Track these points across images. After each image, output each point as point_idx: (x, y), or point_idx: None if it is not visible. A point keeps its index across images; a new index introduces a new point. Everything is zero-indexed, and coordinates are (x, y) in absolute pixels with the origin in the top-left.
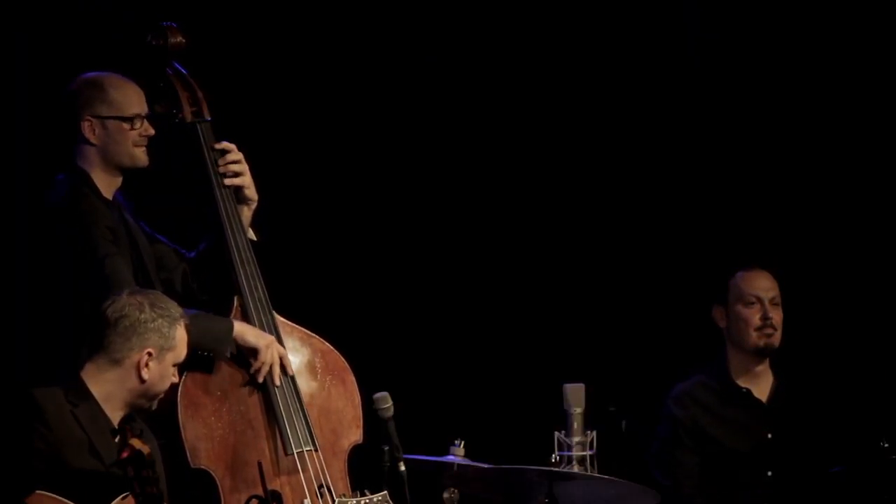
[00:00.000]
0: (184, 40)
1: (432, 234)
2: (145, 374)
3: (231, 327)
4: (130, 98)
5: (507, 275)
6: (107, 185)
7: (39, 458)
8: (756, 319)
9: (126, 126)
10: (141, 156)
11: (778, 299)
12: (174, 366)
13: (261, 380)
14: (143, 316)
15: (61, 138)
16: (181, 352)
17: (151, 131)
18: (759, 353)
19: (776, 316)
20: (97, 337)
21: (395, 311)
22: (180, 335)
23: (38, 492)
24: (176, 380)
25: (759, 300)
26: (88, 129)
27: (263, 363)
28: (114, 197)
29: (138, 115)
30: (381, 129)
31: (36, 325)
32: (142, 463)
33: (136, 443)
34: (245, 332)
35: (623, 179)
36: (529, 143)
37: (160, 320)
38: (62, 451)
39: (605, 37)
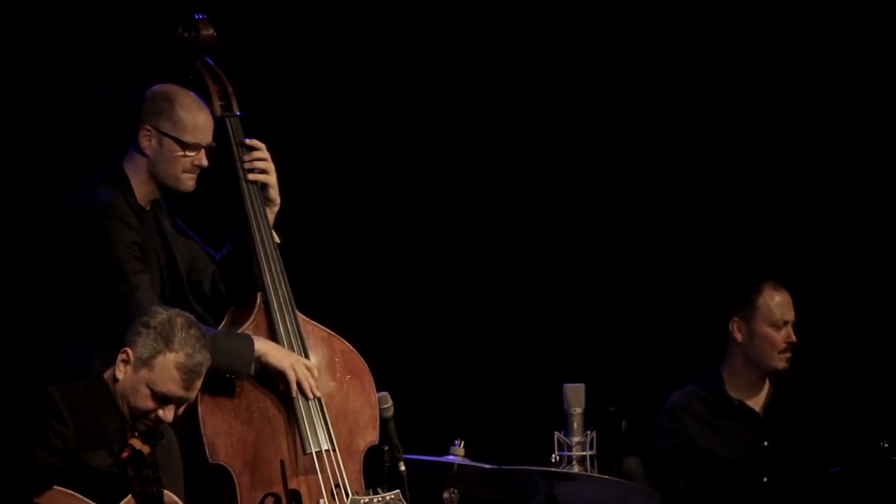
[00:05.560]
0: (214, 33)
1: (433, 235)
2: (119, 373)
3: (251, 346)
4: (196, 125)
5: (508, 276)
6: (145, 194)
7: (56, 455)
8: (781, 343)
9: (180, 150)
10: (187, 182)
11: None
12: (148, 387)
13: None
14: (151, 321)
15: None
16: (157, 378)
17: (205, 163)
18: (774, 374)
19: (794, 338)
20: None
21: (395, 312)
22: (161, 363)
23: (55, 488)
24: (149, 403)
25: (787, 324)
26: (145, 137)
27: (299, 382)
28: (151, 204)
29: (197, 145)
30: (379, 131)
31: (43, 325)
32: (142, 463)
33: (136, 443)
34: (268, 352)
35: (623, 181)
36: (530, 143)
37: (154, 334)
38: (80, 448)
39: (606, 37)
